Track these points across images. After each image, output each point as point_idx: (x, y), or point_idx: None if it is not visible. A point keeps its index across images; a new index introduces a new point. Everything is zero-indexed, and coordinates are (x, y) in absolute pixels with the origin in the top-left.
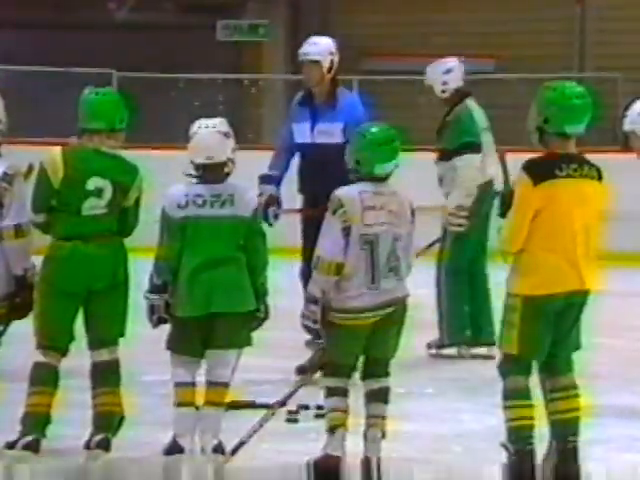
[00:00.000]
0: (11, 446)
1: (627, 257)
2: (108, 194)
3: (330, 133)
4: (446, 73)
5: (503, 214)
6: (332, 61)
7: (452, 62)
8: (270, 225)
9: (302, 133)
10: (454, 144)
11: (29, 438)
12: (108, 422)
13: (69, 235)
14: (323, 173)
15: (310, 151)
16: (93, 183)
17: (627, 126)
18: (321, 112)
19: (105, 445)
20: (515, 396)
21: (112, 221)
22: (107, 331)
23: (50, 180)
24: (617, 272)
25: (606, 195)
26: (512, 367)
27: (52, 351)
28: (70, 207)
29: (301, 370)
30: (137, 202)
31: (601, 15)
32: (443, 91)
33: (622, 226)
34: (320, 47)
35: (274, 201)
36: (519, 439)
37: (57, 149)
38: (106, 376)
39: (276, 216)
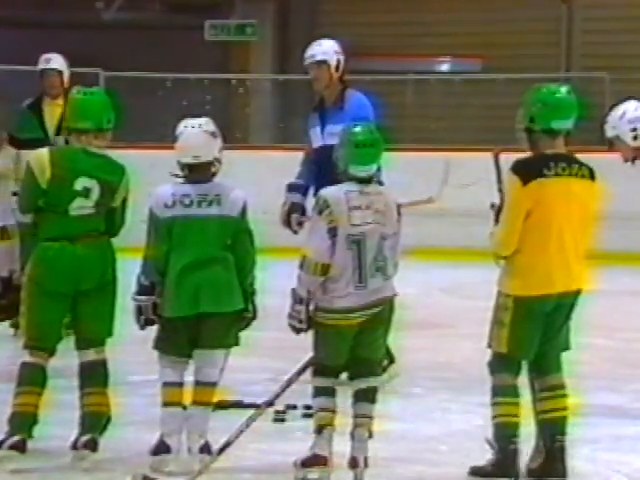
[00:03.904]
0: None
1: (614, 257)
2: (96, 194)
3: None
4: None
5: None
6: (339, 60)
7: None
8: (295, 232)
9: (316, 137)
10: None
11: (16, 438)
12: (95, 422)
13: (57, 235)
14: (333, 175)
15: (321, 153)
16: (81, 183)
17: (610, 132)
18: (330, 114)
19: (92, 445)
20: (502, 393)
21: (100, 221)
22: (95, 331)
23: (37, 180)
24: (603, 272)
25: (599, 194)
26: (501, 365)
27: (40, 351)
28: (58, 207)
29: None
30: (124, 202)
31: (588, 15)
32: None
33: (609, 226)
34: (325, 47)
35: (298, 208)
36: (504, 437)
37: (44, 149)
38: (93, 376)
39: (300, 223)
